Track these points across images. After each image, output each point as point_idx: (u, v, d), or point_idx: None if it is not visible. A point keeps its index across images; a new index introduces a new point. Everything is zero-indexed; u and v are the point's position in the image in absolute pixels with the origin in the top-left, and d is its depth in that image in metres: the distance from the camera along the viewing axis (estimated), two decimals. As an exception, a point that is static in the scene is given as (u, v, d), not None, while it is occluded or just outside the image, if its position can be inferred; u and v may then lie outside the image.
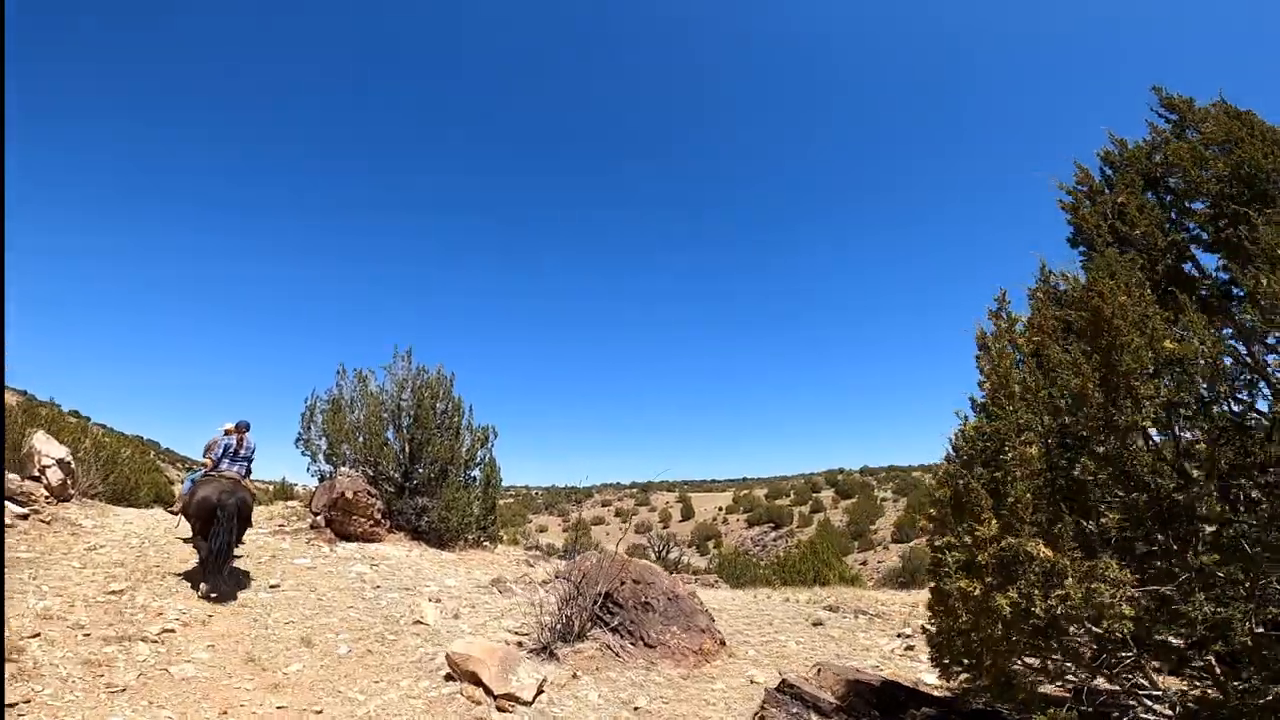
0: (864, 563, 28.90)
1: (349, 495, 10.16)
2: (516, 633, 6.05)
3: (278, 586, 6.66)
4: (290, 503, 12.65)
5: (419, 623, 6.07)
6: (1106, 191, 3.98)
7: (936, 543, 3.72)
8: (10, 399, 31.21)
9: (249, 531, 9.04)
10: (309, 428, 12.19)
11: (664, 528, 56.77)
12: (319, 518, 10.33)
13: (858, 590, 11.48)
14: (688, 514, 58.92)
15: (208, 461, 7.37)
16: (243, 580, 6.86)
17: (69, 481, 9.70)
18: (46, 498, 9.24)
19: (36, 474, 9.45)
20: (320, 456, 12.06)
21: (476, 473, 13.41)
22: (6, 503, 7.86)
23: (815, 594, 10.34)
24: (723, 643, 6.40)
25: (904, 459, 67.02)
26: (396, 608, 6.57)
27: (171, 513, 9.03)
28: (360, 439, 11.87)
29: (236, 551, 7.68)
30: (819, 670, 5.42)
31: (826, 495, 54.01)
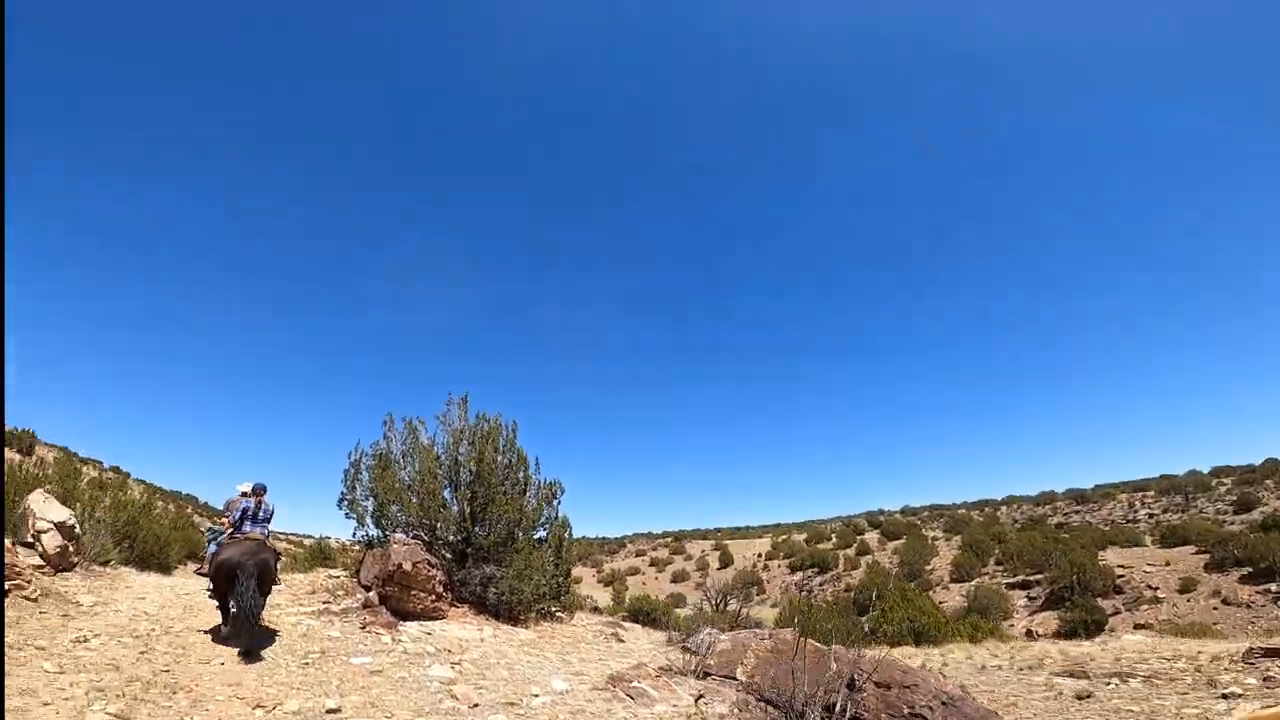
0: (927, 603, 25.92)
1: (407, 567, 7.99)
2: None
3: (339, 711, 4.42)
4: (334, 571, 10.41)
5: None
6: None
7: None
8: (45, 454, 29.34)
9: (290, 615, 7.02)
10: (354, 486, 10.09)
11: (702, 576, 53.30)
12: (371, 593, 8.12)
13: (1048, 645, 8.72)
14: (726, 561, 55.85)
15: (225, 522, 7.08)
16: (288, 691, 4.67)
17: (70, 548, 7.64)
18: (40, 567, 7.16)
19: (31, 539, 7.41)
20: (368, 520, 9.92)
21: (543, 533, 11.23)
22: (-20, 577, 5.82)
23: (1013, 654, 7.80)
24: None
25: (942, 497, 64.10)
26: (519, 744, 4.33)
27: (198, 573, 8.58)
28: (414, 499, 9.75)
29: (275, 645, 5.65)
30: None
31: (871, 537, 50.73)
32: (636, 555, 64.05)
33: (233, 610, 5.76)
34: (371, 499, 10.00)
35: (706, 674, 6.28)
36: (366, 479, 9.97)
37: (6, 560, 6.27)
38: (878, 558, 43.25)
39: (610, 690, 6.12)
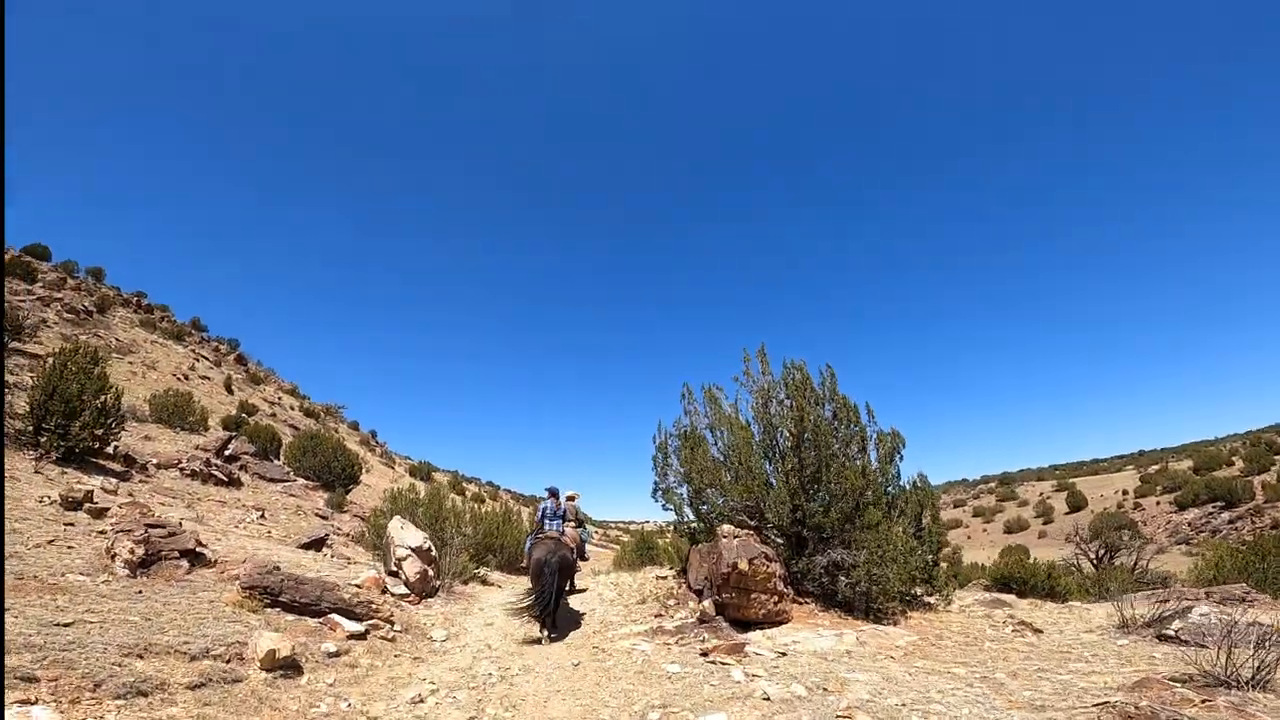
0: None
1: (744, 567, 6.33)
2: None
3: None
4: (660, 571, 9.48)
5: None
6: None
7: None
8: (441, 479, 36.58)
9: (622, 637, 5.90)
10: (664, 473, 8.91)
11: (1045, 524, 44.32)
12: (705, 602, 6.68)
13: None
14: (1076, 504, 45.50)
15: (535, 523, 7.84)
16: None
17: (429, 572, 7.74)
18: (405, 596, 7.26)
19: (395, 568, 7.64)
20: (686, 508, 8.63)
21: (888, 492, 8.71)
22: (342, 619, 5.73)
23: None
24: None
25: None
26: None
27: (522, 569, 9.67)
28: (728, 477, 8.14)
29: (608, 691, 4.37)
30: None
31: (1303, 455, 36.34)
32: (954, 506, 55.85)
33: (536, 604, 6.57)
34: (686, 485, 8.69)
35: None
36: (676, 463, 8.72)
37: (368, 599, 6.24)
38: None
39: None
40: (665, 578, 8.71)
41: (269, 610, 5.79)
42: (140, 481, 12.78)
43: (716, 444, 8.33)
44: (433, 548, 8.08)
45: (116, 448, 13.58)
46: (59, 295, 24.83)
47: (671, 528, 9.65)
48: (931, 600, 8.69)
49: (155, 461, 14.72)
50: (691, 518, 8.58)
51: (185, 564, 6.64)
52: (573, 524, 7.74)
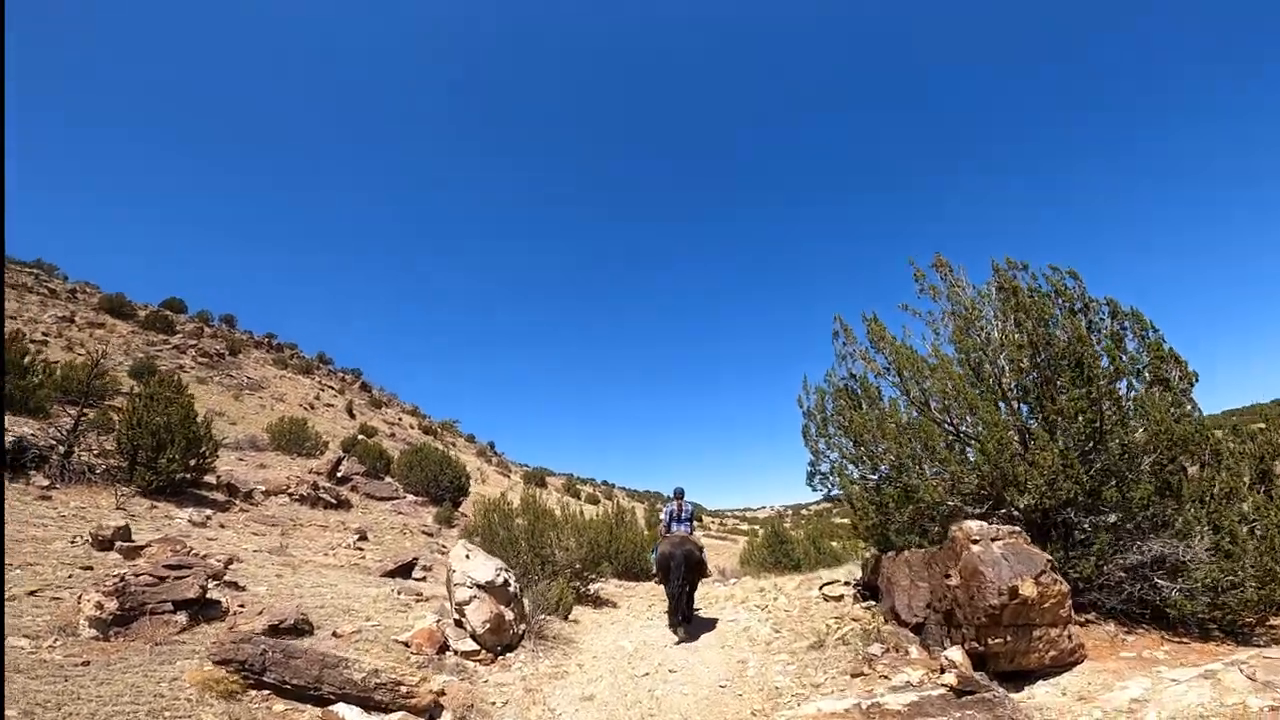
0: None
1: (1027, 591, 3.36)
2: None
3: None
4: (828, 585, 6.47)
5: None
6: None
7: None
8: (555, 482, 35.09)
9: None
10: (822, 447, 5.95)
11: None
12: (954, 653, 3.72)
13: None
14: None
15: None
16: None
17: (507, 615, 5.33)
18: (472, 654, 4.90)
19: (458, 614, 5.31)
20: (866, 502, 5.65)
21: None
22: (351, 711, 3.41)
23: None
24: None
25: None
26: None
27: (652, 578, 9.22)
28: (941, 444, 5.02)
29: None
30: None
31: None
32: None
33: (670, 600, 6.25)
34: (862, 464, 5.71)
35: None
36: (836, 432, 5.77)
37: (394, 678, 3.89)
38: None
39: None
40: (839, 597, 5.79)
41: (250, 694, 3.60)
42: (240, 510, 11.65)
43: (908, 395, 5.28)
44: (511, 580, 5.67)
45: (219, 477, 12.67)
46: (194, 343, 25.86)
47: (792, 513, 6.73)
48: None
49: (263, 489, 13.79)
50: (872, 506, 5.59)
51: (182, 618, 4.68)
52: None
